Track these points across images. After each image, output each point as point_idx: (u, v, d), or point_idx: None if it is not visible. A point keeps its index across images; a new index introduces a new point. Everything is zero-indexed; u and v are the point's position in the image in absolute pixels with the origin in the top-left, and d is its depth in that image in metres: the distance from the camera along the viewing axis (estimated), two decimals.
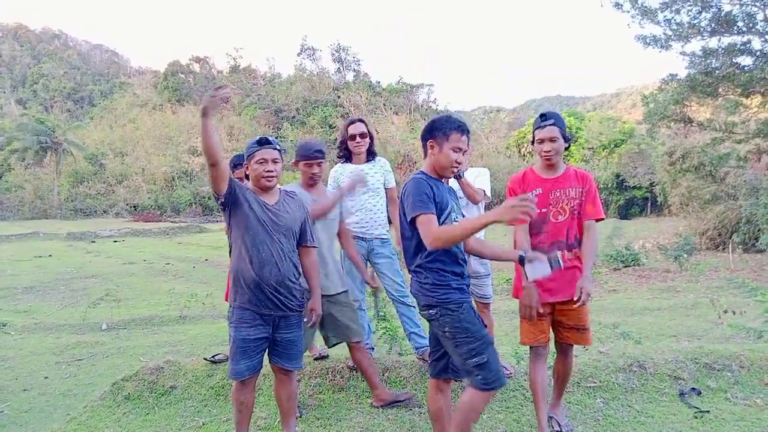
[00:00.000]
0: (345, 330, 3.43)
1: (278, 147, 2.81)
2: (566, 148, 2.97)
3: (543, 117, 2.95)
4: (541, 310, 2.82)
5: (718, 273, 12.16)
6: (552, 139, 2.89)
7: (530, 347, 3.05)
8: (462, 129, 2.52)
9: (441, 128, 2.53)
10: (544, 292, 2.88)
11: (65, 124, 43.77)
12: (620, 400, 3.49)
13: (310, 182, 3.46)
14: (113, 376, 4.40)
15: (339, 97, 47.16)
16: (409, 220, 2.44)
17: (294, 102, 48.77)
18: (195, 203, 38.33)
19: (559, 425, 3.13)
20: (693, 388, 3.57)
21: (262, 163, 2.75)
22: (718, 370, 3.76)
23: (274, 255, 2.73)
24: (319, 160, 3.42)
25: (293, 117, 47.88)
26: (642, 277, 12.08)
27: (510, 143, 41.93)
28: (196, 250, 17.97)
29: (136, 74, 79.47)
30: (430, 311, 2.48)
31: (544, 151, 2.91)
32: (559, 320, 3.02)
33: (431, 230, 2.34)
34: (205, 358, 4.18)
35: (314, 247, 3.00)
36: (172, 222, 31.31)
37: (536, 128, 2.96)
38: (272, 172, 2.76)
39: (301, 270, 2.92)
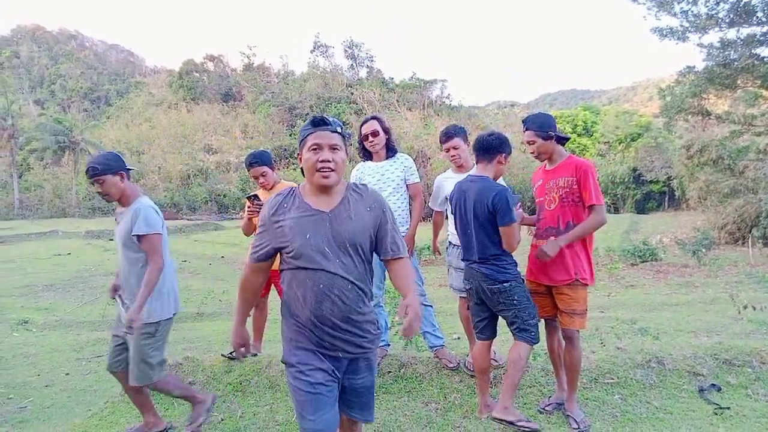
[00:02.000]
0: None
1: (339, 129, 2.08)
2: (562, 142, 3.22)
3: (523, 122, 3.29)
4: None
5: (738, 268, 11.99)
6: (530, 142, 3.22)
7: (544, 322, 3.38)
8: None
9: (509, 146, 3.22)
10: (540, 274, 3.22)
11: (82, 123, 44.36)
12: (638, 396, 3.47)
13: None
14: None
15: (352, 93, 47.16)
16: (503, 223, 3.01)
17: (308, 99, 48.87)
18: (211, 201, 38.68)
19: (576, 422, 3.14)
20: (713, 384, 3.53)
21: (315, 150, 2.03)
22: (738, 366, 3.71)
23: (334, 285, 2.04)
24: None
25: (307, 114, 47.97)
26: (660, 272, 11.96)
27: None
28: (212, 247, 18.12)
29: (151, 73, 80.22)
30: (506, 284, 3.06)
31: (530, 152, 3.26)
32: (555, 303, 3.22)
33: (516, 239, 3.04)
34: (222, 355, 4.22)
35: (400, 257, 2.19)
36: (188, 220, 31.60)
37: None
38: (329, 162, 2.00)
39: (370, 293, 2.19)
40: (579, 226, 3.05)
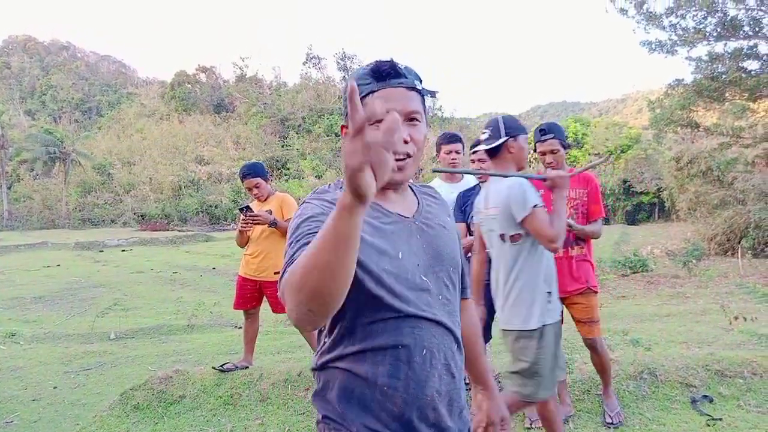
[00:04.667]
0: None
1: (419, 85, 1.23)
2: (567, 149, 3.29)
3: (542, 131, 3.19)
4: None
5: (728, 278, 12.06)
6: (553, 152, 3.15)
7: None
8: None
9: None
10: None
11: (73, 134, 44.27)
12: (631, 408, 3.46)
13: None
14: (122, 385, 4.41)
15: (345, 105, 47.28)
16: None
17: (300, 110, 48.93)
18: (202, 212, 38.51)
19: (611, 416, 3.31)
20: (705, 396, 3.54)
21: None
22: (730, 377, 3.72)
23: (443, 344, 1.20)
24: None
25: (299, 125, 48.05)
26: (651, 283, 12.00)
27: None
28: (203, 258, 18.01)
29: (143, 84, 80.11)
30: None
31: (547, 162, 3.18)
32: (571, 314, 3.25)
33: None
34: (213, 367, 4.19)
35: (467, 299, 1.45)
36: (179, 231, 31.40)
37: (537, 141, 3.21)
38: (405, 144, 1.17)
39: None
40: (587, 226, 3.21)
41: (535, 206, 2.33)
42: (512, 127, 2.54)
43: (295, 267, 0.91)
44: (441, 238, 1.27)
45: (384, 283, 1.11)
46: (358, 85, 1.17)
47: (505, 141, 2.51)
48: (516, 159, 2.55)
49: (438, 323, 1.18)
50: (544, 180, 2.44)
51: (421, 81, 1.24)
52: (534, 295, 2.44)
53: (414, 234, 1.22)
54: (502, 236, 2.47)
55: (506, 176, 2.47)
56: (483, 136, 2.61)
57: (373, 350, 1.13)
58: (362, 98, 1.16)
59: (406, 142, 1.17)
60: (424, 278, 1.18)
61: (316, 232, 0.95)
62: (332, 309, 0.92)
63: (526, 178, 2.46)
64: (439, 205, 1.37)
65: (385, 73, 1.18)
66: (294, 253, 1.04)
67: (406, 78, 1.20)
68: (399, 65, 1.20)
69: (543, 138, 3.16)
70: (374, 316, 1.13)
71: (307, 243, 1.00)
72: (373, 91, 1.18)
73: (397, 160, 1.16)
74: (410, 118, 1.18)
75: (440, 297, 1.21)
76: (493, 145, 2.53)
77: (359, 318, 1.13)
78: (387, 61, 1.19)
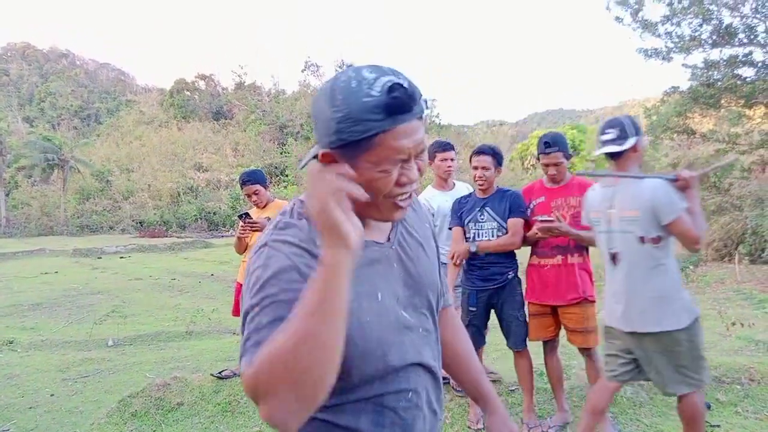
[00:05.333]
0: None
1: (424, 111, 0.99)
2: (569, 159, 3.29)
3: (547, 144, 3.20)
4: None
5: (725, 284, 12.08)
6: (556, 164, 3.20)
7: (542, 342, 3.37)
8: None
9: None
10: (545, 294, 3.23)
11: (72, 141, 44.29)
12: (628, 414, 3.47)
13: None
14: (120, 392, 4.40)
15: None
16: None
17: (298, 118, 49.02)
18: (200, 219, 38.49)
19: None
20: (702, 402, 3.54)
21: (396, 163, 0.96)
22: (728, 384, 3.73)
23: (428, 386, 1.13)
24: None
25: (297, 132, 48.14)
26: None
27: (513, 156, 42.03)
28: (201, 265, 17.99)
29: (142, 92, 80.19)
30: None
31: (550, 174, 3.24)
32: (564, 323, 3.24)
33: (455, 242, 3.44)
34: (211, 374, 4.19)
35: (449, 306, 1.36)
36: (177, 237, 31.35)
37: (541, 153, 3.24)
38: (413, 184, 1.02)
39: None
40: (584, 232, 3.01)
41: (682, 208, 2.33)
42: (638, 127, 2.50)
43: (273, 353, 0.80)
44: (420, 261, 1.14)
45: (367, 333, 0.99)
46: (364, 120, 0.90)
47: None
48: (639, 159, 2.53)
49: (418, 365, 1.09)
50: (676, 180, 2.41)
51: (421, 96, 0.98)
52: (679, 292, 2.46)
53: (392, 263, 1.09)
54: (641, 238, 2.44)
55: (639, 177, 2.44)
56: (607, 137, 2.51)
57: (356, 401, 1.02)
58: (370, 138, 0.92)
59: (415, 180, 1.01)
60: (404, 314, 1.07)
61: (284, 300, 0.86)
62: (323, 394, 0.83)
63: (658, 178, 2.43)
64: (416, 215, 1.22)
65: (405, 105, 0.92)
66: (260, 330, 0.88)
67: (419, 107, 0.96)
68: (415, 92, 0.94)
69: (547, 151, 3.19)
70: (357, 370, 1.00)
71: (277, 317, 0.86)
72: (384, 131, 0.92)
73: (405, 199, 1.02)
74: (419, 154, 1.00)
75: (420, 330, 1.11)
76: (626, 146, 2.46)
77: (340, 374, 0.92)
78: (405, 90, 0.91)
